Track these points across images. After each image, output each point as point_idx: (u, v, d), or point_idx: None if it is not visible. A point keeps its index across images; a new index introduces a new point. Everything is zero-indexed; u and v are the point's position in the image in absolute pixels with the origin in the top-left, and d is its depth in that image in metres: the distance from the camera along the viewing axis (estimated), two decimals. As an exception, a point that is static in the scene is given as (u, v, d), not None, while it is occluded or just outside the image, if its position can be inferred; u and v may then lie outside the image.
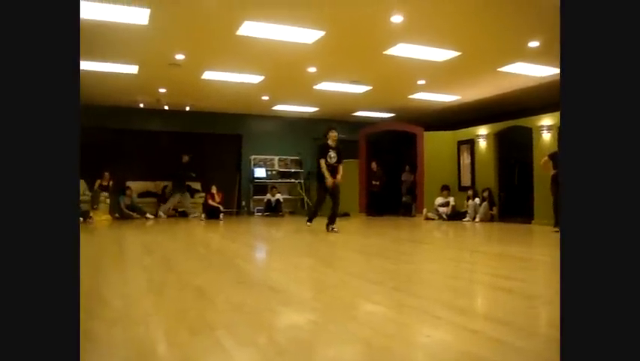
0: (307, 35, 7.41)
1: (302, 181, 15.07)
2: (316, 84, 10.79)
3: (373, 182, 13.98)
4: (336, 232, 8.09)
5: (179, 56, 8.59)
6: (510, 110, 12.27)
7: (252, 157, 14.93)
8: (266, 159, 15.02)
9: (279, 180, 14.85)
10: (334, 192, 8.34)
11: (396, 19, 6.74)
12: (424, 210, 12.49)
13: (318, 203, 8.78)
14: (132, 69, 9.32)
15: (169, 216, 13.01)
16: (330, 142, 8.39)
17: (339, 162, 8.42)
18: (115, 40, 7.50)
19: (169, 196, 13.17)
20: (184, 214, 13.39)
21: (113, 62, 8.77)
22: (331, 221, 8.33)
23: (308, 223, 8.76)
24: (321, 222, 8.44)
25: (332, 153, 8.35)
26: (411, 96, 12.02)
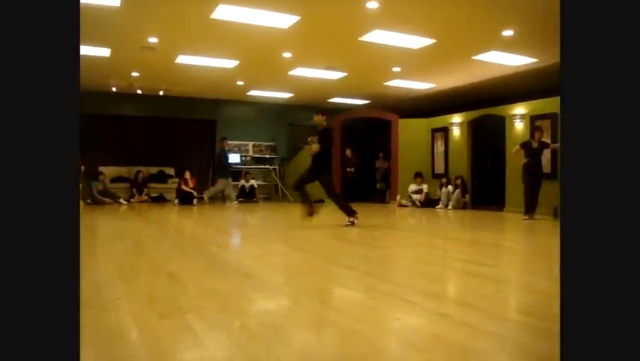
0: (282, 20, 7.35)
1: (276, 167, 15.03)
2: (291, 70, 10.73)
3: (348, 169, 14.01)
4: (353, 224, 7.18)
5: (153, 39, 8.45)
6: (484, 99, 12.37)
7: (227, 143, 14.82)
8: (240, 144, 14.93)
9: (254, 166, 14.80)
10: (323, 185, 7.33)
11: (372, 5, 6.72)
12: (398, 197, 12.56)
13: (297, 186, 7.49)
14: (104, 52, 9.14)
15: (211, 199, 12.79)
16: (318, 127, 7.48)
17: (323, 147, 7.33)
18: (86, 22, 7.33)
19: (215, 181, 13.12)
20: (158, 199, 13.28)
21: (84, 44, 8.57)
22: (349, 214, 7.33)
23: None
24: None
25: (314, 138, 7.45)
26: (386, 83, 12.04)
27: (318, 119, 7.48)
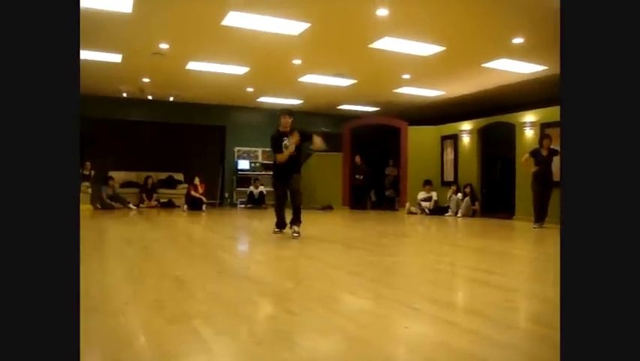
0: (293, 27, 7.37)
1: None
2: (301, 77, 10.75)
3: (357, 176, 14.01)
4: (296, 236, 6.49)
5: (164, 46, 8.50)
6: (493, 106, 12.34)
7: (236, 149, 14.85)
8: (250, 150, 14.96)
9: (263, 173, 14.80)
10: (291, 185, 6.77)
11: (382, 12, 6.73)
12: (407, 205, 12.53)
13: (277, 204, 7.06)
14: (116, 58, 9.22)
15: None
16: (281, 129, 6.79)
17: (299, 148, 6.75)
18: (98, 28, 7.40)
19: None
20: (167, 205, 13.32)
21: (96, 50, 8.66)
22: (293, 221, 6.69)
23: (276, 230, 6.97)
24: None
25: (287, 142, 6.68)
26: (396, 90, 12.03)
27: (288, 121, 6.83)
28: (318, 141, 6.74)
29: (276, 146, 6.78)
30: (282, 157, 6.69)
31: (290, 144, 6.60)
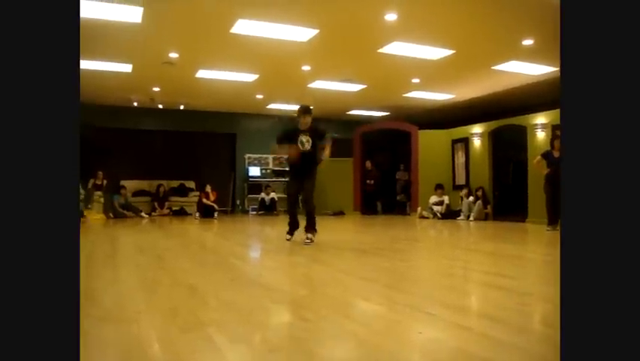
0: (301, 33, 7.40)
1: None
2: (310, 83, 10.78)
3: (368, 181, 13.99)
4: (308, 243, 6.37)
5: (173, 55, 8.56)
6: (504, 109, 12.30)
7: (247, 156, 14.90)
8: (260, 157, 14.99)
9: (274, 179, 14.83)
10: (304, 195, 6.65)
11: (391, 17, 6.74)
12: (419, 209, 12.50)
13: (289, 208, 6.94)
14: (126, 68, 9.29)
15: None
16: (300, 127, 6.54)
17: (315, 146, 6.50)
18: (108, 39, 7.47)
19: None
20: (179, 213, 13.36)
21: (107, 60, 8.74)
22: (307, 228, 6.54)
23: (288, 237, 6.76)
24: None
25: (303, 138, 6.44)
26: (405, 95, 12.02)
27: (308, 120, 6.56)
28: (327, 153, 6.54)
29: (290, 139, 6.50)
30: (293, 153, 6.42)
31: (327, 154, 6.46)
